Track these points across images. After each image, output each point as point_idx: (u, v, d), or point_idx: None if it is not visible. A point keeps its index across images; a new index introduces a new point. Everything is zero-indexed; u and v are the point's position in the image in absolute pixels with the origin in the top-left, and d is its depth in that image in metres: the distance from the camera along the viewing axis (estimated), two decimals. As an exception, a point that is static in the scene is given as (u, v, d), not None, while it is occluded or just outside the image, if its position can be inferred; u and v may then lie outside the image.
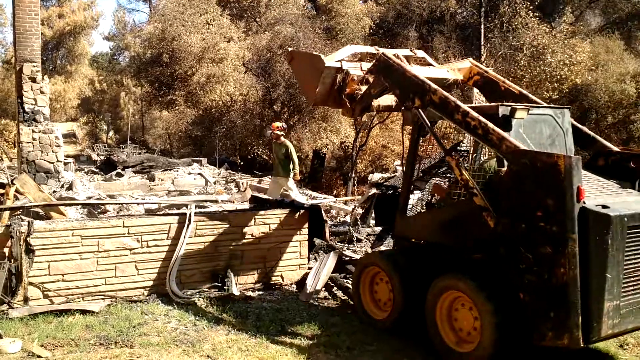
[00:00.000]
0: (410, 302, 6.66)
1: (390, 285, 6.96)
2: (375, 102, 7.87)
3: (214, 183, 19.59)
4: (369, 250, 9.25)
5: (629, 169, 6.54)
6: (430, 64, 8.27)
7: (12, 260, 7.00)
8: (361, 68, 7.80)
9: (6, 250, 7.07)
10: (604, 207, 5.50)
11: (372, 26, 31.05)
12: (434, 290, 6.22)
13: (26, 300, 7.10)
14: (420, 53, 8.36)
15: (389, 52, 7.60)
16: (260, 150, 27.56)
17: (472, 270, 6.05)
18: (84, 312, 7.07)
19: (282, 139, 12.97)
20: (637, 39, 33.73)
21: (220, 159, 27.94)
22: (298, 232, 8.88)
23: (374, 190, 13.12)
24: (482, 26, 29.06)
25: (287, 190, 13.13)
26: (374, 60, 7.51)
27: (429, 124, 6.61)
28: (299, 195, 13.40)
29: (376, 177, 17.43)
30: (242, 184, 18.91)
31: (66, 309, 7.08)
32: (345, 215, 13.93)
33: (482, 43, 28.80)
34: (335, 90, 7.77)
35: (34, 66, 15.63)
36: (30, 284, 7.14)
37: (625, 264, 5.52)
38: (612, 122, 29.99)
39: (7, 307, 6.93)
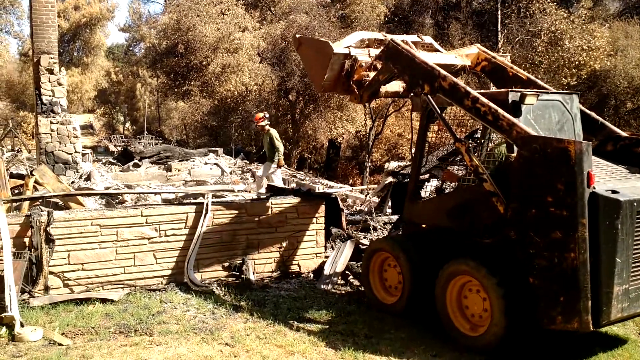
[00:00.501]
0: (419, 287, 6.71)
1: (399, 270, 7.01)
2: (383, 89, 7.84)
3: (230, 173, 19.65)
4: (386, 239, 9.23)
5: (637, 154, 6.54)
6: (437, 50, 8.21)
7: (32, 249, 7.09)
8: (369, 54, 7.78)
9: (27, 240, 7.15)
10: (613, 192, 5.53)
11: (388, 14, 30.84)
12: (444, 275, 6.26)
13: (47, 289, 7.19)
14: (428, 39, 8.31)
15: (397, 38, 7.57)
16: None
17: (482, 255, 6.08)
18: (103, 300, 7.15)
19: (267, 127, 13.18)
20: (657, 24, 33.16)
21: (236, 149, 28.02)
22: (315, 221, 8.89)
23: (390, 179, 13.09)
24: (499, 12, 28.76)
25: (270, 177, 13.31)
26: (383, 47, 7.49)
27: (439, 110, 6.61)
28: (280, 183, 13.48)
29: (392, 165, 17.37)
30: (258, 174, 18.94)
31: (86, 297, 7.15)
32: (361, 204, 13.91)
33: (499, 29, 28.50)
34: (343, 76, 7.77)
35: (51, 58, 15.72)
36: (51, 273, 7.23)
37: (634, 248, 5.56)
38: (632, 109, 29.62)
39: (29, 296, 7.02)
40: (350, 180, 25.37)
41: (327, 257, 8.87)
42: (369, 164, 24.74)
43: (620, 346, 6.31)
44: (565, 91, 7.23)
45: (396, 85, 7.96)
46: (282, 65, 25.85)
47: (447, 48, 30.10)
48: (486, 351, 5.87)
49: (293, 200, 8.81)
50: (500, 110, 5.96)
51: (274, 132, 13.13)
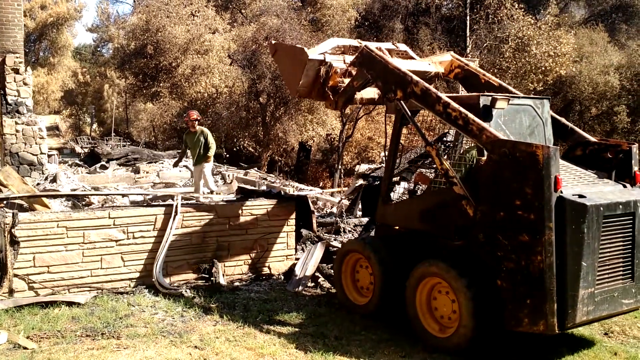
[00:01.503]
0: (390, 288, 6.76)
1: (370, 272, 7.05)
2: (358, 95, 7.92)
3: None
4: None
5: (606, 159, 6.64)
6: (412, 57, 8.33)
7: (-4, 252, 6.93)
8: (344, 61, 7.86)
9: (-10, 242, 6.99)
10: (580, 196, 5.63)
11: (358, 18, 30.97)
12: (414, 277, 6.31)
13: (11, 292, 7.04)
14: (402, 46, 8.42)
15: (372, 45, 7.64)
16: (246, 142, 27.46)
17: (452, 257, 6.14)
18: (69, 303, 7.02)
19: (198, 126, 12.30)
20: (621, 31, 33.97)
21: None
22: (285, 223, 8.88)
23: (360, 182, 13.16)
24: (468, 18, 29.11)
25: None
26: (357, 53, 7.55)
27: (410, 115, 6.68)
28: (213, 185, 12.89)
29: (363, 168, 17.45)
30: (228, 176, 18.83)
31: (52, 300, 7.02)
32: (332, 207, 13.94)
33: (468, 35, 28.85)
34: (318, 82, 7.82)
35: (17, 57, 15.45)
36: (15, 275, 7.08)
37: (600, 252, 5.67)
38: (596, 114, 30.25)
39: (-8, 299, 6.86)
40: (321, 183, 25.39)
41: (297, 259, 8.86)
42: (340, 166, 24.78)
43: (586, 347, 6.41)
44: (536, 96, 7.39)
45: (371, 92, 8.04)
46: (252, 67, 25.76)
47: (417, 53, 30.37)
48: (455, 352, 5.92)
49: (264, 202, 8.78)
50: (470, 115, 6.03)
51: (208, 131, 12.48)
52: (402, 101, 6.75)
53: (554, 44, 25.55)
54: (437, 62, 8.30)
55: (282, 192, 10.28)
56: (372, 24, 32.97)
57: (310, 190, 17.10)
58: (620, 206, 5.82)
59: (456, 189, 6.07)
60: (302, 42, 24.60)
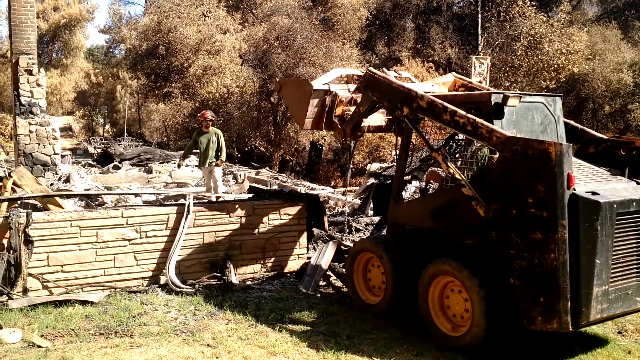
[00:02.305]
0: (402, 287, 6.75)
1: (382, 271, 7.05)
2: (366, 123, 8.08)
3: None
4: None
5: (618, 157, 6.61)
6: (414, 83, 8.36)
7: (11, 251, 7.00)
8: (348, 89, 8.04)
9: (5, 241, 7.06)
10: (593, 193, 5.60)
11: (369, 17, 30.96)
12: (426, 275, 6.31)
13: (25, 291, 7.10)
14: (405, 74, 8.52)
15: (374, 70, 7.73)
16: (258, 142, 27.51)
17: (464, 255, 6.12)
18: (83, 302, 7.07)
19: (211, 127, 12.13)
20: (634, 28, 33.69)
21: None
22: (297, 222, 8.89)
23: (372, 180, 13.14)
24: (480, 16, 29.00)
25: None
26: (361, 77, 7.67)
27: (419, 130, 6.76)
28: (222, 186, 12.80)
29: (374, 167, 17.42)
30: (240, 175, 18.87)
31: (65, 299, 7.08)
32: (343, 206, 13.93)
33: (480, 33, 28.74)
34: (325, 112, 7.99)
35: (30, 58, 15.55)
36: (30, 275, 7.14)
37: (614, 249, 5.63)
38: (610, 112, 30.02)
39: (7, 298, 6.93)
40: (332, 183, 25.37)
41: (309, 258, 8.87)
42: (351, 166, 24.75)
43: (599, 345, 6.38)
44: (548, 93, 7.36)
45: (378, 119, 8.20)
46: (263, 67, 25.81)
47: (428, 52, 30.32)
48: (467, 351, 5.90)
49: (275, 201, 8.80)
50: (478, 120, 6.03)
51: (221, 134, 12.44)
52: (409, 117, 6.81)
53: (566, 41, 25.39)
54: (441, 83, 8.44)
55: (294, 192, 10.29)
56: (383, 22, 32.95)
57: (322, 189, 17.10)
58: (634, 203, 5.77)
59: (465, 190, 6.08)
60: (312, 41, 24.64)
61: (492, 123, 6.16)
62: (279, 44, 25.20)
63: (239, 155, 28.51)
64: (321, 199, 10.10)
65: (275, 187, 15.58)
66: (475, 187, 6.02)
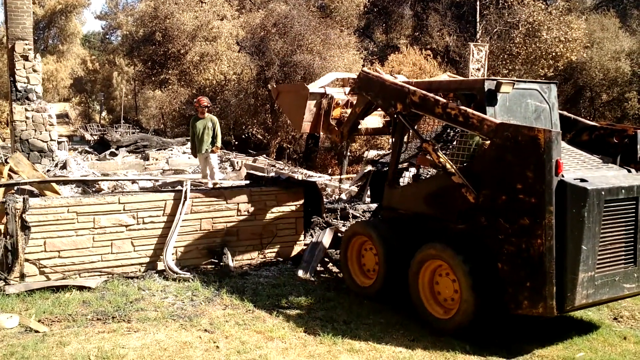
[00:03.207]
0: (393, 270, 6.84)
1: (375, 253, 7.14)
2: (364, 125, 8.16)
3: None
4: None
5: (611, 144, 6.63)
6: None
7: (7, 236, 6.99)
8: (345, 92, 8.14)
9: (2, 227, 7.05)
10: (582, 180, 5.65)
11: (367, 4, 30.81)
12: (417, 259, 6.41)
13: (22, 276, 7.10)
14: (401, 77, 8.54)
15: (370, 70, 7.82)
16: (255, 129, 27.46)
17: (454, 240, 6.19)
18: (80, 288, 7.08)
19: (207, 113, 12.09)
20: (632, 17, 33.62)
21: (216, 138, 27.78)
22: (294, 209, 8.89)
23: (369, 168, 13.13)
24: (478, 3, 28.89)
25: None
26: (355, 78, 7.75)
27: (411, 126, 6.84)
28: (219, 173, 12.75)
29: (371, 154, 17.43)
30: (237, 163, 18.86)
31: (63, 285, 7.07)
32: (340, 193, 13.94)
33: (478, 20, 28.65)
34: (322, 115, 8.09)
35: (26, 44, 15.47)
36: (27, 260, 7.14)
37: (601, 236, 5.68)
38: (607, 100, 30.03)
39: (4, 283, 6.93)
40: (329, 170, 25.37)
41: (306, 244, 8.88)
42: (348, 153, 24.75)
43: (595, 331, 6.42)
44: (543, 80, 7.38)
45: (376, 122, 8.28)
46: (261, 54, 25.72)
47: (426, 39, 30.22)
48: (456, 333, 5.97)
49: (273, 188, 8.79)
50: (469, 110, 6.11)
51: (217, 120, 12.40)
52: (403, 113, 6.87)
53: (564, 29, 25.35)
54: None
55: (291, 179, 10.29)
56: (381, 10, 32.83)
57: (319, 177, 17.10)
58: (623, 191, 5.81)
59: (455, 178, 6.14)
60: (310, 28, 24.54)
61: (485, 110, 6.22)
62: (277, 30, 25.10)
63: (236, 143, 28.49)
64: (319, 186, 10.09)
65: (272, 174, 15.58)
66: (467, 174, 6.07)
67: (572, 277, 5.53)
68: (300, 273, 8.10)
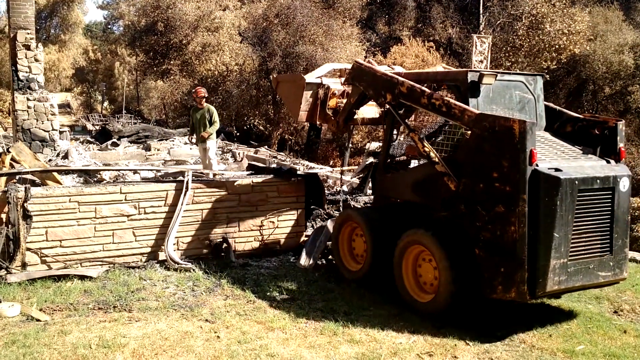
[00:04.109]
0: (380, 255, 7.08)
1: (365, 239, 7.35)
2: (360, 115, 8.32)
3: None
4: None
5: (593, 136, 6.74)
6: None
7: (9, 225, 7.00)
8: (341, 82, 8.30)
9: (3, 216, 7.06)
10: (556, 170, 5.80)
11: (370, -5, 30.68)
12: (401, 245, 6.67)
13: (24, 265, 7.12)
14: (398, 68, 8.69)
15: (363, 61, 7.98)
16: (257, 120, 27.42)
17: (436, 227, 6.43)
18: (82, 277, 7.10)
19: (205, 103, 12.13)
20: (636, 10, 33.44)
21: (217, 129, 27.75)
22: (295, 200, 8.89)
23: (370, 159, 13.12)
24: (481, -5, 28.73)
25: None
26: (349, 69, 7.92)
27: (400, 117, 6.99)
28: (216, 163, 12.78)
29: (373, 146, 17.40)
30: (239, 154, 18.84)
31: (64, 274, 7.10)
32: (342, 185, 13.93)
33: (481, 12, 28.51)
34: (318, 105, 8.27)
35: (28, 33, 15.43)
36: (28, 249, 7.15)
37: (575, 224, 5.84)
38: (610, 94, 29.91)
39: (5, 272, 6.95)
40: (331, 162, 25.33)
41: (307, 236, 8.88)
42: (350, 145, 24.71)
43: (595, 324, 6.42)
44: (529, 72, 7.49)
45: (372, 112, 8.41)
46: (263, 45, 25.62)
47: (429, 31, 30.11)
48: (435, 315, 6.21)
49: (274, 179, 8.79)
50: (451, 101, 6.33)
51: (214, 109, 12.42)
52: (392, 103, 7.04)
53: (568, 21, 25.21)
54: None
55: (293, 170, 10.28)
56: (383, 1, 32.66)
57: (321, 168, 17.08)
58: (598, 181, 5.97)
59: (438, 167, 6.36)
60: (312, 19, 24.45)
61: (468, 101, 6.39)
62: (279, 21, 25.00)
63: (238, 134, 28.43)
64: (320, 178, 10.08)
65: (274, 165, 15.56)
66: (449, 163, 6.28)
67: (544, 264, 5.73)
68: (301, 264, 8.11)
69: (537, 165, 5.72)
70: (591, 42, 27.23)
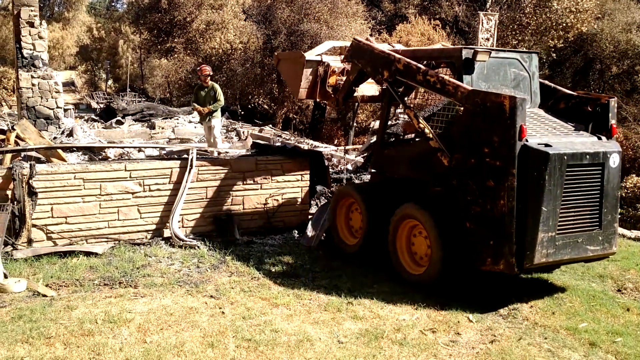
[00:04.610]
0: (376, 229, 7.23)
1: (361, 214, 7.52)
2: (359, 93, 8.39)
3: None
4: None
5: (585, 113, 6.81)
6: None
7: (15, 202, 7.03)
8: (341, 60, 8.37)
9: (9, 192, 7.09)
10: (546, 145, 5.88)
11: (375, -28, 30.38)
12: (396, 219, 6.83)
13: (30, 242, 7.16)
14: (398, 46, 8.71)
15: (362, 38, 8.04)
16: (261, 99, 27.33)
17: (429, 201, 6.62)
18: (87, 254, 7.14)
19: (210, 81, 12.13)
20: (645, -12, 33.00)
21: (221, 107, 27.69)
22: (300, 178, 8.90)
23: (375, 138, 13.09)
24: (488, -28, 28.40)
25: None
26: (348, 47, 7.99)
27: (398, 94, 7.06)
28: (221, 142, 12.79)
29: (378, 125, 17.34)
30: (243, 133, 18.82)
31: (70, 250, 7.14)
32: (346, 163, 13.92)
33: (487, -10, 28.18)
34: (318, 82, 8.35)
35: (32, 10, 15.36)
36: (34, 226, 7.19)
37: (563, 199, 5.92)
38: (617, 73, 29.66)
39: (12, 248, 6.99)
40: (336, 141, 25.28)
41: (311, 214, 8.90)
42: (355, 124, 24.66)
43: (599, 302, 6.44)
44: (524, 50, 7.53)
45: (372, 90, 8.48)
46: (267, 23, 25.46)
47: (435, 8, 29.83)
48: (427, 285, 6.41)
49: (278, 157, 8.79)
50: (445, 77, 6.42)
51: (218, 87, 12.25)
52: (389, 80, 7.12)
53: (575, -1, 24.92)
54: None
55: (297, 148, 10.27)
56: (389, -22, 32.31)
57: (325, 147, 17.06)
58: (587, 156, 6.05)
59: (432, 143, 6.49)
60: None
61: (462, 78, 6.47)
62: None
63: (242, 113, 28.38)
64: (324, 156, 10.08)
65: (278, 144, 15.54)
66: (443, 139, 6.40)
67: (532, 237, 5.81)
68: (305, 242, 8.14)
69: (526, 141, 5.82)
70: (599, 21, 26.94)
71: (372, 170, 7.92)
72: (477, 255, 6.08)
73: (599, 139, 6.51)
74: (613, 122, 6.66)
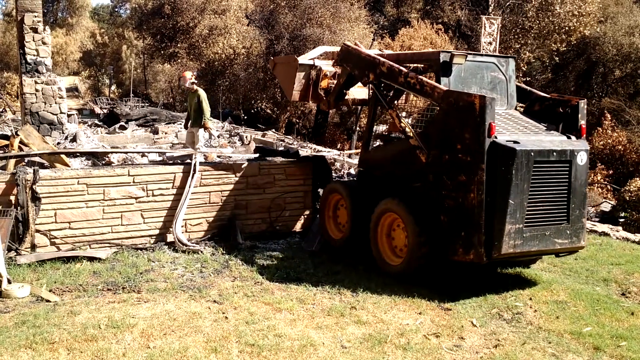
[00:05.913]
0: (359, 223, 7.55)
1: (347, 209, 7.89)
2: (351, 96, 8.77)
3: (218, 137, 19.49)
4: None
5: (557, 114, 7.13)
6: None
7: (18, 207, 7.05)
8: (333, 65, 8.72)
9: (12, 198, 7.10)
10: (514, 142, 6.21)
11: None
12: (377, 213, 7.19)
13: (33, 247, 7.17)
14: (386, 52, 9.03)
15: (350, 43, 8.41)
16: (264, 104, 27.36)
17: (408, 196, 6.97)
18: (91, 259, 7.15)
19: (195, 87, 12.16)
20: (648, -9, 32.98)
21: (224, 112, 27.75)
22: (303, 183, 8.90)
23: (377, 143, 13.08)
24: (490, -24, 28.42)
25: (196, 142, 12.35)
26: (338, 52, 8.39)
27: (384, 97, 7.41)
28: (203, 147, 12.83)
29: (380, 129, 17.35)
30: (246, 137, 18.83)
31: (73, 255, 7.15)
32: (349, 168, 13.91)
33: (490, -6, 28.20)
34: (311, 85, 8.72)
35: (35, 16, 15.39)
36: (37, 231, 7.21)
37: (530, 193, 6.27)
38: (620, 76, 29.66)
39: (15, 253, 7.00)
40: (339, 145, 25.29)
41: (314, 218, 8.89)
42: (357, 128, 24.66)
43: (603, 306, 6.41)
44: (502, 54, 8.37)
45: (362, 93, 8.74)
46: (270, 28, 25.49)
47: (438, 13, 29.87)
48: (404, 276, 6.76)
49: (282, 161, 8.80)
50: (424, 79, 6.82)
51: (202, 93, 12.09)
52: (374, 82, 7.51)
53: (578, 3, 24.93)
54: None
55: (300, 152, 10.27)
56: (392, -17, 32.38)
57: (328, 152, 17.05)
58: (554, 153, 6.40)
59: (412, 141, 6.87)
60: (320, 1, 24.28)
61: (440, 80, 6.84)
62: (286, 3, 24.85)
63: (245, 117, 28.40)
64: (327, 161, 10.07)
65: (281, 148, 15.54)
66: (422, 137, 6.78)
67: (500, 228, 6.15)
68: (308, 246, 8.13)
69: (495, 138, 6.19)
70: (601, 24, 26.96)
71: (359, 169, 8.28)
72: (450, 246, 6.46)
73: (568, 138, 6.84)
74: (582, 122, 6.99)
